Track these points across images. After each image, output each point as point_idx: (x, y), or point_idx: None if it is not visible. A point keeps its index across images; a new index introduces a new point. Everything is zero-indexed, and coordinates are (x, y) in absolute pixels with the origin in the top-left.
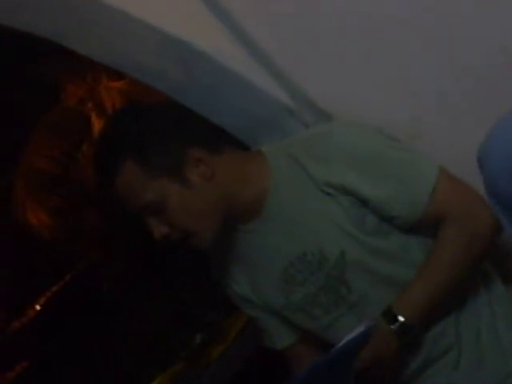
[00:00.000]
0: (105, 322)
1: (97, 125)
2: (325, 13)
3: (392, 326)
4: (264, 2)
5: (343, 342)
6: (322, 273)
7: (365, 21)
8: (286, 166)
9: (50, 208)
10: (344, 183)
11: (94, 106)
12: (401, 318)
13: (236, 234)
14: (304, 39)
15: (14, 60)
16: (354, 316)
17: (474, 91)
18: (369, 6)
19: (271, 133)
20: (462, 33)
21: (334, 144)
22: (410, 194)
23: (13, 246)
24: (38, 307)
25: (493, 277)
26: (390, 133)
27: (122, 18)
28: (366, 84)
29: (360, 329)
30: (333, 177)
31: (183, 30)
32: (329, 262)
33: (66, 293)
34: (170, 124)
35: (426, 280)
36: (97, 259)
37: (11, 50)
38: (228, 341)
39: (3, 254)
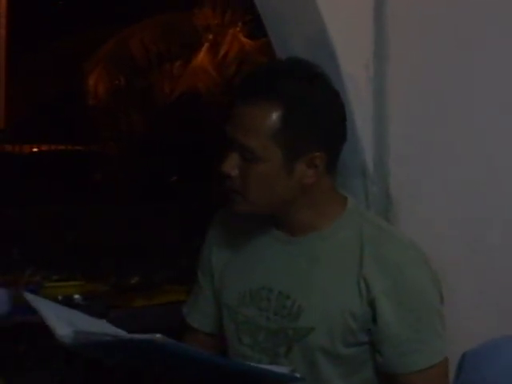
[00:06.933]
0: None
1: (201, 56)
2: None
3: None
4: (418, 82)
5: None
6: (282, 323)
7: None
8: (350, 233)
9: (111, 85)
10: (376, 299)
11: (212, 41)
12: None
13: (265, 229)
14: (429, 136)
15: None
16: None
17: None
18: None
19: None
20: None
21: (401, 270)
22: (407, 352)
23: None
24: (35, 149)
25: None
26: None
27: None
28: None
29: (283, 369)
30: (375, 286)
31: (340, 38)
32: (296, 323)
33: (65, 156)
34: (326, 119)
35: None
36: (108, 151)
37: None
38: (153, 303)
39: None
